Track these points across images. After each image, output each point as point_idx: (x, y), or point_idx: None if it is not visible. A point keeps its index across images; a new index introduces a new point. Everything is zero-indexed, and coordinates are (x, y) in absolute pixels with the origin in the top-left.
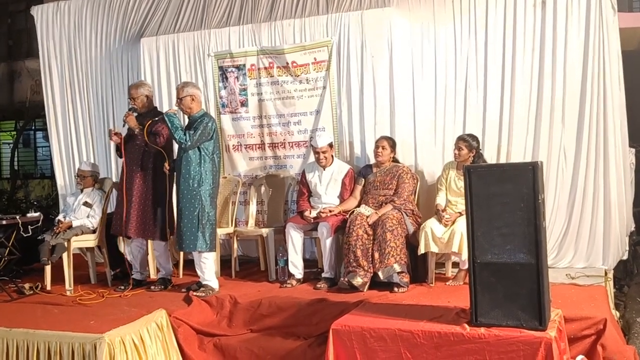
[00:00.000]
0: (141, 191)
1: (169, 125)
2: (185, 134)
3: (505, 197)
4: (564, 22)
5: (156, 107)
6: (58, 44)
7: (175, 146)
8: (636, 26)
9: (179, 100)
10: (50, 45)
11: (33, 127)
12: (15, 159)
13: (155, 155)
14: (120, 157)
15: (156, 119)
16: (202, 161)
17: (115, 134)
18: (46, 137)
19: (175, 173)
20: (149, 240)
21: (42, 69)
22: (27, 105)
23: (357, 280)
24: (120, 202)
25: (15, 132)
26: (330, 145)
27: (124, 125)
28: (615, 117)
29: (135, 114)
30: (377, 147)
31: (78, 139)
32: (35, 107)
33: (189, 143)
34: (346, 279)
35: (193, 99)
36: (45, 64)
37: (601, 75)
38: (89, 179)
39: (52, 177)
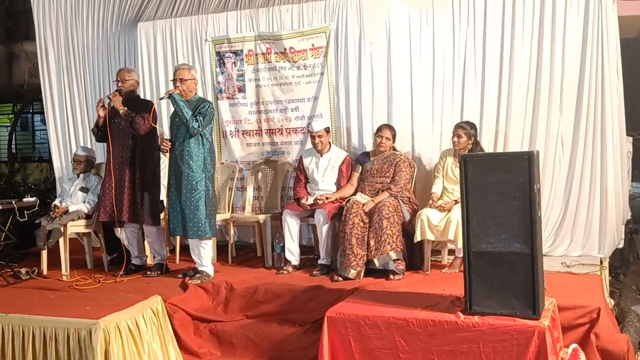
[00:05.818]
0: (130, 175)
1: (180, 109)
2: (196, 120)
3: (500, 186)
4: (563, 9)
5: (138, 96)
6: (55, 28)
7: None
8: (636, 14)
9: (183, 81)
10: (47, 29)
11: (31, 110)
12: (13, 142)
13: (142, 138)
14: (98, 140)
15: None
16: (203, 147)
17: (103, 106)
18: (44, 121)
19: (168, 156)
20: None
21: (39, 53)
22: (25, 88)
23: (352, 273)
24: (109, 187)
25: (13, 115)
26: (327, 131)
27: (109, 104)
28: (613, 105)
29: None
30: (380, 137)
31: (75, 123)
32: (34, 90)
33: (200, 129)
34: (340, 275)
35: (195, 83)
36: (42, 47)
37: (599, 63)
38: (85, 163)
39: (50, 160)
